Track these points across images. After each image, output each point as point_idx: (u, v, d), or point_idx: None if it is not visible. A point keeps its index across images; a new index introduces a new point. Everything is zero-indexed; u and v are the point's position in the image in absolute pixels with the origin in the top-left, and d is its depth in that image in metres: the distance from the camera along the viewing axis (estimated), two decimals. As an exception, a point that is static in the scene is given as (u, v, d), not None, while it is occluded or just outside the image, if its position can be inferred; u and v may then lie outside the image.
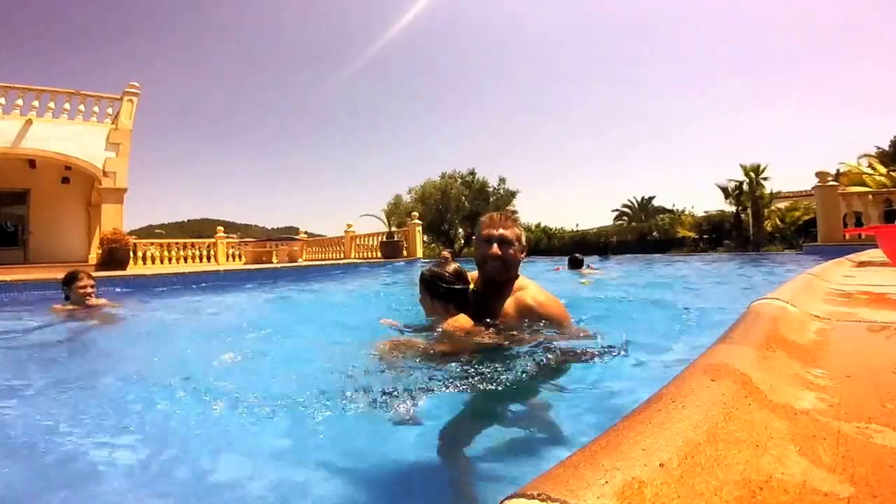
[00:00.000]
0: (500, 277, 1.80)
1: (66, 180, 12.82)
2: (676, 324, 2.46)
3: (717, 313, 2.75)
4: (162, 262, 13.23)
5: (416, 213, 14.92)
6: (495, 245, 1.76)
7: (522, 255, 1.85)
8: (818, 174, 10.18)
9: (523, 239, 1.87)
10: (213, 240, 15.09)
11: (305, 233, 19.36)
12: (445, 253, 10.45)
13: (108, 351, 2.69)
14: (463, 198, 21.82)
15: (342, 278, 8.66)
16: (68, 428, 1.40)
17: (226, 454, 1.23)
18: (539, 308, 1.74)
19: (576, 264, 7.06)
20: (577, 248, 18.50)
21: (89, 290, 3.90)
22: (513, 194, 22.71)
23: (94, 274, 6.30)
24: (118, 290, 6.26)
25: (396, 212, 21.09)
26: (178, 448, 1.26)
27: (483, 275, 1.84)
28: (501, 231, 1.80)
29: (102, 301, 4.23)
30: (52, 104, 10.90)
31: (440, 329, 1.75)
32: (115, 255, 9.87)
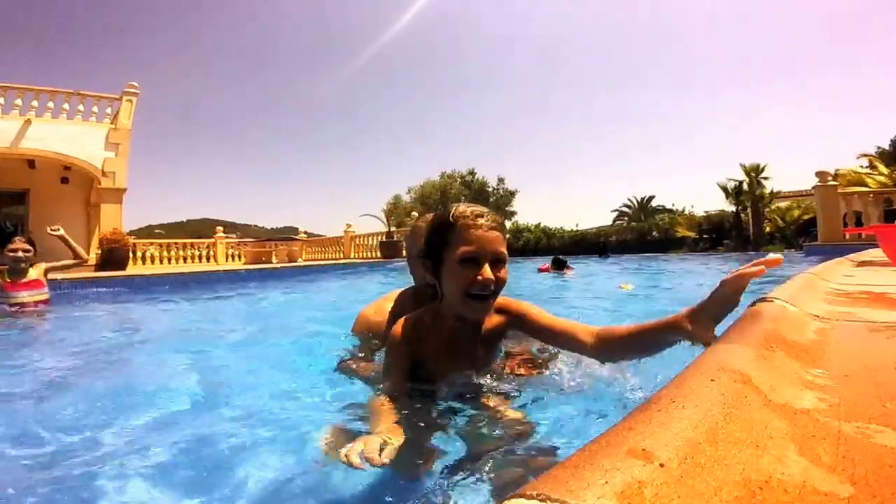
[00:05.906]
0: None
1: (65, 180, 12.81)
2: None
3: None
4: (162, 262, 13.26)
5: (415, 213, 14.95)
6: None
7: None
8: (818, 174, 10.18)
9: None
10: (212, 240, 15.12)
11: (305, 233, 19.37)
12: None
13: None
14: (463, 197, 21.87)
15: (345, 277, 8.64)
16: None
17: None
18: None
19: (559, 265, 7.67)
20: (576, 247, 18.53)
21: (20, 254, 3.65)
22: (512, 194, 22.80)
23: (94, 274, 6.33)
24: (121, 289, 6.25)
25: (396, 212, 21.14)
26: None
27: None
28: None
29: (44, 296, 3.90)
30: (51, 104, 10.90)
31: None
32: (114, 255, 9.88)
